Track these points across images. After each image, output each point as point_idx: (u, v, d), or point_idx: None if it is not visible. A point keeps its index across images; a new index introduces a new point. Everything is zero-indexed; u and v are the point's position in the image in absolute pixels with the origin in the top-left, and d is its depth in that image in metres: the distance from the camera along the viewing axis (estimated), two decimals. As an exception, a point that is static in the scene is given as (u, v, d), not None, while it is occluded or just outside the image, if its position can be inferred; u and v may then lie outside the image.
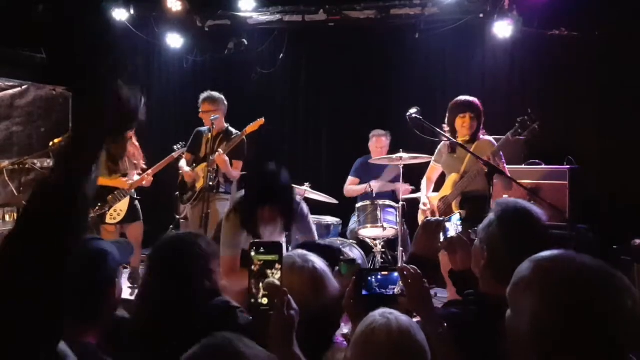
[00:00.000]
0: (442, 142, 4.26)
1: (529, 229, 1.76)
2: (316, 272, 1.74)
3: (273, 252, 1.36)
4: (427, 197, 4.26)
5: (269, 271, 1.34)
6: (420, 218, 4.21)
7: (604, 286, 1.06)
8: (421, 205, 4.27)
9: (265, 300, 1.33)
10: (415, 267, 1.70)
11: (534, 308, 1.08)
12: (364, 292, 1.69)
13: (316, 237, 3.36)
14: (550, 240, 1.86)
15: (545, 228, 1.81)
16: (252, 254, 1.36)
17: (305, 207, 3.27)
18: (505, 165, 3.88)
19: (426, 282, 1.67)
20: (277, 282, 1.34)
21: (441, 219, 2.11)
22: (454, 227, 2.12)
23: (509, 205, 1.82)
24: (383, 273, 1.72)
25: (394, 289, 1.69)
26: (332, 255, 2.33)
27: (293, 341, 1.31)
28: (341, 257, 2.02)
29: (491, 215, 1.82)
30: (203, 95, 5.01)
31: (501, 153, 3.83)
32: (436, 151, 4.33)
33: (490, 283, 1.77)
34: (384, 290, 1.70)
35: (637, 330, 1.03)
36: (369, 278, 1.71)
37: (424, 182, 4.38)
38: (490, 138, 4.05)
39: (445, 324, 1.61)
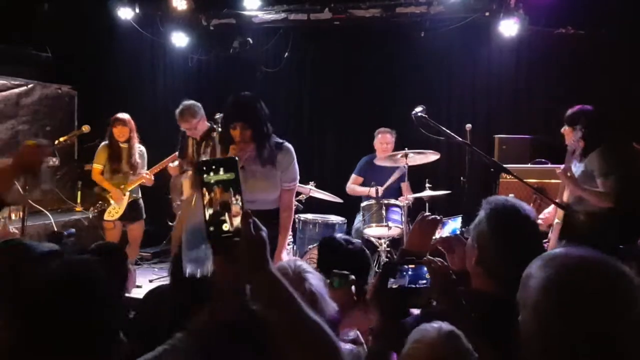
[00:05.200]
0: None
1: (516, 226, 1.77)
2: (312, 295, 1.63)
3: (228, 170, 1.15)
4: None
5: (225, 193, 1.14)
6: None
7: (606, 276, 1.05)
8: (540, 215, 4.01)
9: (226, 227, 1.13)
10: (442, 260, 1.71)
11: (537, 301, 1.07)
12: (390, 286, 1.69)
13: (297, 183, 3.47)
14: (538, 237, 1.87)
15: (534, 225, 1.82)
16: (204, 175, 1.15)
17: (292, 149, 3.39)
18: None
19: (452, 274, 1.67)
20: (237, 204, 1.15)
21: (439, 217, 2.10)
22: (451, 228, 2.14)
23: (498, 203, 1.83)
24: (409, 267, 1.72)
25: (424, 283, 1.68)
26: (361, 262, 2.31)
27: (268, 261, 1.13)
28: (334, 270, 1.97)
29: (481, 213, 1.83)
30: (178, 110, 4.85)
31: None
32: None
33: (481, 279, 1.80)
34: (413, 285, 1.70)
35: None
36: (399, 271, 1.71)
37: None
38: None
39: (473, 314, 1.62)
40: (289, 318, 1.11)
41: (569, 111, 3.92)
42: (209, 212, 1.14)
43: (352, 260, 2.29)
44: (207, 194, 1.14)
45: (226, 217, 1.13)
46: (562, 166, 3.73)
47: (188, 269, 1.46)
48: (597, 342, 1.01)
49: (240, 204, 1.15)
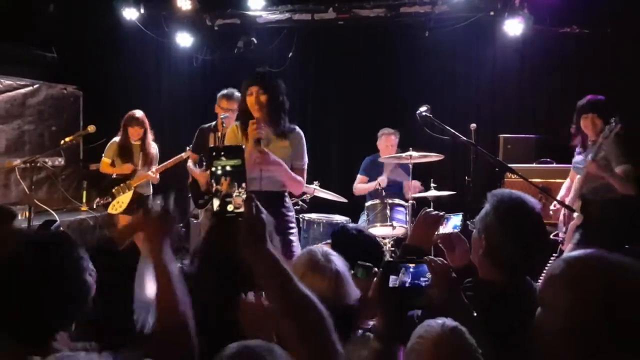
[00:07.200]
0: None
1: (524, 218, 1.82)
2: (338, 275, 1.76)
3: (235, 157, 1.27)
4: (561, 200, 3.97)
5: (231, 177, 1.26)
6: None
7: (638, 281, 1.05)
8: (551, 206, 4.00)
9: (230, 207, 1.25)
10: (442, 259, 1.73)
11: (569, 306, 1.07)
12: (391, 284, 1.69)
13: (305, 164, 3.50)
14: (543, 228, 1.91)
15: (539, 216, 1.86)
16: (213, 161, 1.28)
17: (302, 132, 3.47)
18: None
19: (453, 272, 1.69)
20: (242, 188, 1.26)
21: (442, 213, 2.13)
22: (452, 224, 2.15)
23: (504, 196, 1.88)
24: (411, 265, 1.72)
25: (426, 281, 1.69)
26: (375, 252, 2.31)
27: (266, 240, 1.24)
28: (359, 262, 2.01)
29: (487, 206, 1.88)
30: (225, 92, 4.79)
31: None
32: None
33: (489, 269, 1.85)
34: (416, 282, 1.71)
35: None
36: (400, 270, 1.71)
37: (565, 183, 4.15)
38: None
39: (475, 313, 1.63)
40: (281, 288, 1.22)
41: (594, 100, 3.87)
42: (215, 192, 1.26)
43: (366, 248, 2.29)
44: (215, 177, 1.26)
45: (231, 199, 1.26)
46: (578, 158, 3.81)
47: (136, 312, 1.57)
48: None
49: (244, 187, 1.27)
